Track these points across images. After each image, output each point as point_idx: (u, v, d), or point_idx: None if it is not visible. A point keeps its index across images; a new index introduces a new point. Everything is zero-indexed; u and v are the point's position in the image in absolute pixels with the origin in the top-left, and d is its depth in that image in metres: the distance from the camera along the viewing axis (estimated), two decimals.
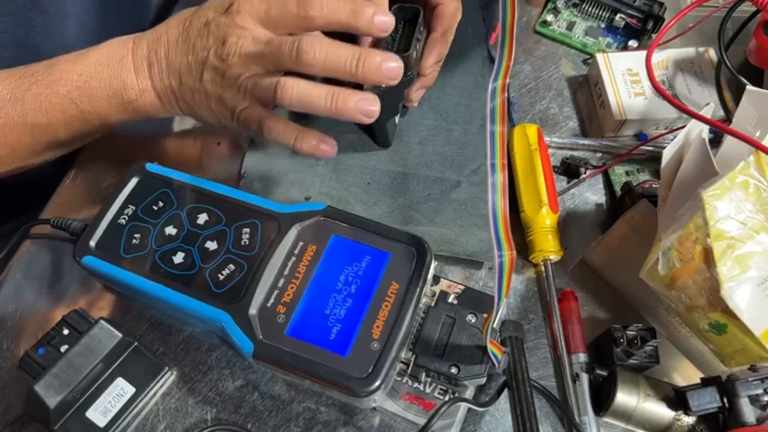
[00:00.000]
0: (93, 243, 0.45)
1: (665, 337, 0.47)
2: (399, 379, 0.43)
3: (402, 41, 0.47)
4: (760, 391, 0.40)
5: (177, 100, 0.46)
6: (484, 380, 0.42)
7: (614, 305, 0.49)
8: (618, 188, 0.53)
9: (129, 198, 0.47)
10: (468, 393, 0.43)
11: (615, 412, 0.43)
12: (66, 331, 0.44)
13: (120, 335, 0.43)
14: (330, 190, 0.52)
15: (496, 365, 0.41)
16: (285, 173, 0.52)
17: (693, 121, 0.45)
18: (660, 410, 0.42)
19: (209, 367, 0.46)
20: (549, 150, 0.54)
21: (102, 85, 0.45)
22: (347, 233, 0.44)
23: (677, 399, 0.42)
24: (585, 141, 0.56)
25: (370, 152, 0.54)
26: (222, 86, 0.43)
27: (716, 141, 0.46)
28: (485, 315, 0.43)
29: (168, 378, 0.46)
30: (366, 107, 0.42)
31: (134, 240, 0.45)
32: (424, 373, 0.42)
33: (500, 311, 0.38)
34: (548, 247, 0.49)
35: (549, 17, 0.62)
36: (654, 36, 0.58)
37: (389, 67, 0.41)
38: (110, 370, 0.43)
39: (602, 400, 0.44)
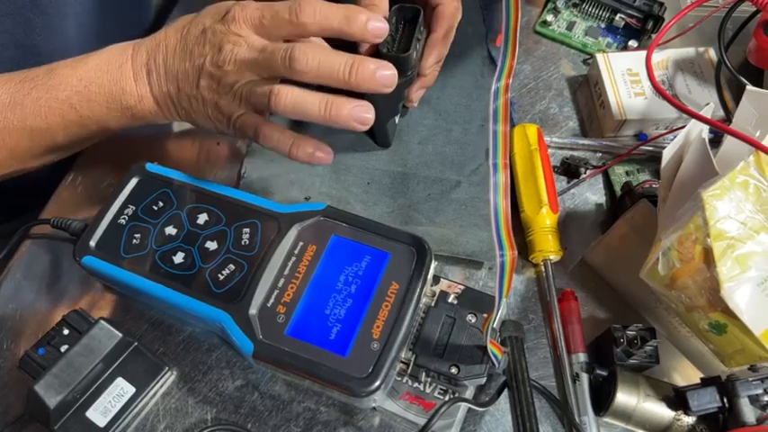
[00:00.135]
0: (93, 243, 0.45)
1: (665, 337, 0.47)
2: (399, 379, 0.43)
3: (402, 41, 0.47)
4: (760, 391, 0.40)
5: (175, 106, 0.46)
6: (484, 380, 0.42)
7: (614, 305, 0.49)
8: (618, 188, 0.53)
9: (129, 198, 0.47)
10: (468, 393, 0.43)
11: (615, 412, 0.43)
12: (66, 331, 0.44)
13: (120, 335, 0.43)
14: (330, 190, 0.52)
15: (496, 365, 0.41)
16: (285, 173, 0.52)
17: (693, 121, 0.45)
18: (660, 410, 0.42)
19: (209, 367, 0.46)
20: (549, 150, 0.54)
21: (102, 91, 0.45)
22: (347, 233, 0.44)
23: (677, 399, 0.42)
24: (585, 141, 0.56)
25: (370, 152, 0.54)
26: (218, 93, 0.44)
27: (716, 141, 0.46)
28: (485, 315, 0.43)
29: (168, 378, 0.46)
30: (360, 114, 0.42)
31: (134, 240, 0.45)
32: (424, 373, 0.42)
33: (500, 311, 0.38)
34: (548, 247, 0.49)
35: (549, 17, 0.62)
36: (654, 36, 0.58)
37: (383, 74, 0.41)
38: (110, 370, 0.43)
39: (602, 400, 0.44)
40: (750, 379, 0.40)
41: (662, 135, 0.54)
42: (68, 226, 0.48)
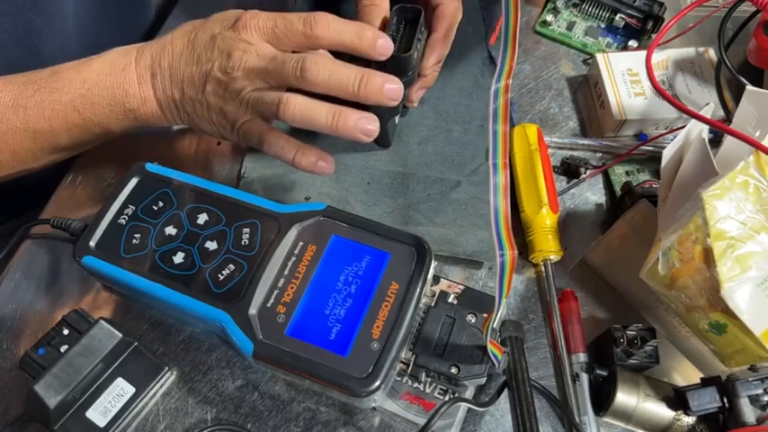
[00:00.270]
0: (93, 243, 0.45)
1: (665, 337, 0.47)
2: (399, 379, 0.43)
3: (403, 42, 0.47)
4: (760, 391, 0.40)
5: (178, 110, 0.46)
6: (484, 380, 0.42)
7: (614, 305, 0.49)
8: (618, 188, 0.53)
9: (129, 198, 0.47)
10: (468, 393, 0.43)
11: (615, 412, 0.43)
12: (66, 331, 0.44)
13: (120, 335, 0.43)
14: (330, 190, 0.52)
15: (496, 365, 0.41)
16: (285, 173, 0.52)
17: (693, 121, 0.45)
18: (660, 410, 0.42)
19: (209, 367, 0.46)
20: (549, 150, 0.54)
21: (105, 94, 0.45)
22: (347, 233, 0.44)
23: (677, 399, 0.42)
24: (585, 141, 0.56)
25: (370, 152, 0.54)
26: (224, 99, 0.44)
27: (716, 141, 0.46)
28: (485, 315, 0.43)
29: (168, 378, 0.46)
30: (365, 126, 0.43)
31: (134, 240, 0.45)
32: (424, 373, 0.42)
33: (500, 311, 0.38)
34: (548, 247, 0.49)
35: (549, 17, 0.62)
36: (654, 36, 0.58)
37: (390, 88, 0.43)
38: (110, 370, 0.43)
39: (602, 400, 0.44)
40: (750, 379, 0.40)
41: (662, 135, 0.54)
42: (68, 226, 0.48)
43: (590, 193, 0.54)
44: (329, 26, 0.43)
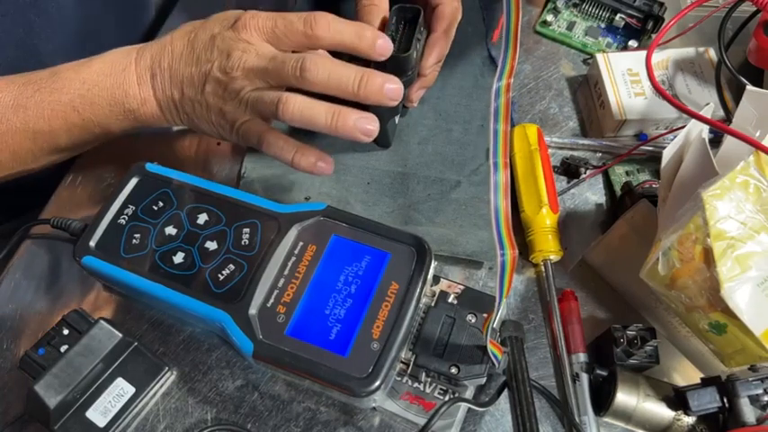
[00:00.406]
0: (93, 243, 0.45)
1: (665, 337, 0.47)
2: (399, 379, 0.43)
3: (402, 41, 0.47)
4: (760, 391, 0.40)
5: (178, 110, 0.46)
6: (484, 380, 0.42)
7: (614, 305, 0.49)
8: (618, 188, 0.53)
9: (128, 198, 0.47)
10: (468, 393, 0.43)
11: (615, 412, 0.43)
12: (66, 331, 0.44)
13: (120, 335, 0.43)
14: (330, 190, 0.52)
15: (496, 365, 0.41)
16: (285, 173, 0.52)
17: (693, 121, 0.45)
18: (660, 410, 0.42)
19: (209, 367, 0.46)
20: (549, 150, 0.54)
21: (105, 94, 0.45)
22: (347, 233, 0.44)
23: (677, 399, 0.42)
24: (585, 141, 0.56)
25: (370, 152, 0.54)
26: (224, 99, 0.44)
27: (716, 141, 0.46)
28: (485, 315, 0.43)
29: (168, 378, 0.46)
30: (365, 126, 0.43)
31: (134, 240, 0.45)
32: (424, 373, 0.42)
33: (500, 311, 0.38)
34: (548, 247, 0.49)
35: (549, 17, 0.62)
36: (654, 36, 0.58)
37: (390, 88, 0.43)
38: (110, 370, 0.43)
39: (602, 400, 0.44)
40: (750, 379, 0.40)
41: (662, 135, 0.54)
42: (68, 226, 0.48)
43: (590, 193, 0.54)
44: (329, 26, 0.43)
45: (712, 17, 0.57)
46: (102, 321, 0.43)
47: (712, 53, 0.57)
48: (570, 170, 0.54)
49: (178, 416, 0.45)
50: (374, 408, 0.43)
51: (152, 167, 0.48)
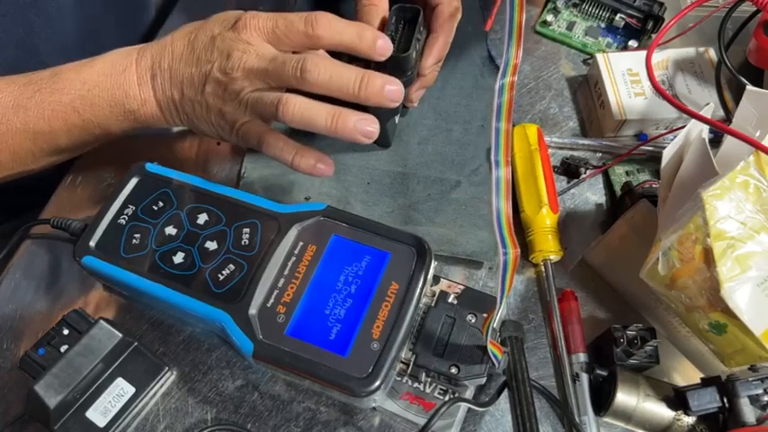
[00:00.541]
0: (93, 243, 0.45)
1: (665, 337, 0.47)
2: (399, 379, 0.43)
3: (402, 41, 0.47)
4: (760, 391, 0.40)
5: (178, 111, 0.46)
6: (484, 380, 0.42)
7: (614, 305, 0.49)
8: (618, 188, 0.53)
9: (128, 198, 0.47)
10: (468, 393, 0.43)
11: (615, 412, 0.43)
12: (66, 331, 0.44)
13: (120, 335, 0.43)
14: (330, 190, 0.52)
15: (496, 365, 0.41)
16: (285, 173, 0.52)
17: (693, 121, 0.45)
18: (660, 410, 0.42)
19: (209, 367, 0.46)
20: (549, 150, 0.54)
21: (105, 95, 0.45)
22: (347, 233, 0.44)
23: (677, 399, 0.42)
24: (585, 141, 0.56)
25: (370, 152, 0.54)
26: (223, 100, 0.44)
27: (716, 141, 0.46)
28: (485, 315, 0.43)
29: (168, 378, 0.46)
30: (365, 127, 0.43)
31: (134, 240, 0.45)
32: (424, 373, 0.42)
33: (500, 311, 0.38)
34: (548, 247, 0.49)
35: (549, 17, 0.62)
36: (654, 36, 0.58)
37: (390, 89, 0.43)
38: (110, 370, 0.43)
39: (602, 400, 0.44)
40: (750, 379, 0.40)
41: (662, 135, 0.54)
42: (68, 226, 0.48)
43: (590, 193, 0.54)
44: (330, 26, 0.43)
45: (712, 17, 0.57)
46: (102, 321, 0.43)
47: (712, 53, 0.57)
48: (570, 170, 0.54)
49: (178, 416, 0.45)
50: (374, 408, 0.43)
51: (152, 167, 0.48)
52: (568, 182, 0.55)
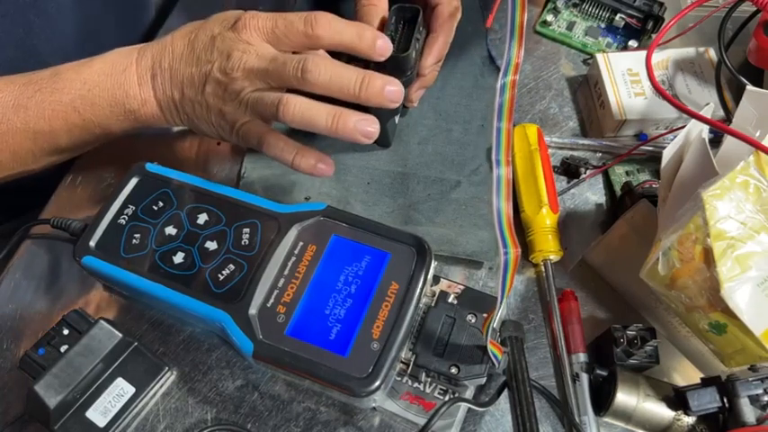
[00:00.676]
0: (93, 243, 0.45)
1: (665, 337, 0.47)
2: (399, 379, 0.43)
3: (401, 41, 0.47)
4: (760, 391, 0.40)
5: (178, 111, 0.46)
6: (484, 380, 0.42)
7: (614, 305, 0.49)
8: (618, 188, 0.53)
9: (128, 198, 0.47)
10: (468, 393, 0.43)
11: (615, 412, 0.43)
12: (66, 331, 0.44)
13: (120, 335, 0.43)
14: (330, 190, 0.52)
15: (496, 365, 0.41)
16: (285, 173, 0.52)
17: (693, 121, 0.45)
18: (660, 410, 0.42)
19: (209, 367, 0.46)
20: (549, 150, 0.54)
21: (105, 95, 0.45)
22: (347, 233, 0.44)
23: (677, 399, 0.42)
24: (585, 141, 0.56)
25: (370, 152, 0.54)
26: (223, 100, 0.44)
27: (716, 141, 0.46)
28: (485, 315, 0.43)
29: (168, 378, 0.46)
30: (365, 128, 0.43)
31: (134, 240, 0.45)
32: (424, 373, 0.42)
33: (500, 311, 0.38)
34: (548, 247, 0.49)
35: (549, 17, 0.62)
36: (654, 36, 0.58)
37: (391, 90, 0.43)
38: (110, 370, 0.43)
39: (602, 400, 0.44)
40: (750, 379, 0.40)
41: (662, 135, 0.54)
42: (68, 226, 0.48)
43: (590, 193, 0.54)
44: (330, 26, 0.43)
45: (712, 17, 0.57)
46: (102, 321, 0.43)
47: (712, 53, 0.57)
48: (570, 170, 0.54)
49: (178, 416, 0.45)
50: (374, 408, 0.43)
51: (152, 167, 0.48)
52: (568, 182, 0.55)
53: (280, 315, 0.41)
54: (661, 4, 0.59)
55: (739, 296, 0.38)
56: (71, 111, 0.45)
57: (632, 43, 0.60)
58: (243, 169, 0.53)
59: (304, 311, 0.42)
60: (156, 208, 0.46)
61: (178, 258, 0.44)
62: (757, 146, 0.38)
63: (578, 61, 0.61)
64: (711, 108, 0.46)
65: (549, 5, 0.62)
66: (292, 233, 0.44)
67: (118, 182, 0.48)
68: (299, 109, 0.43)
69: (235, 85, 0.43)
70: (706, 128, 0.44)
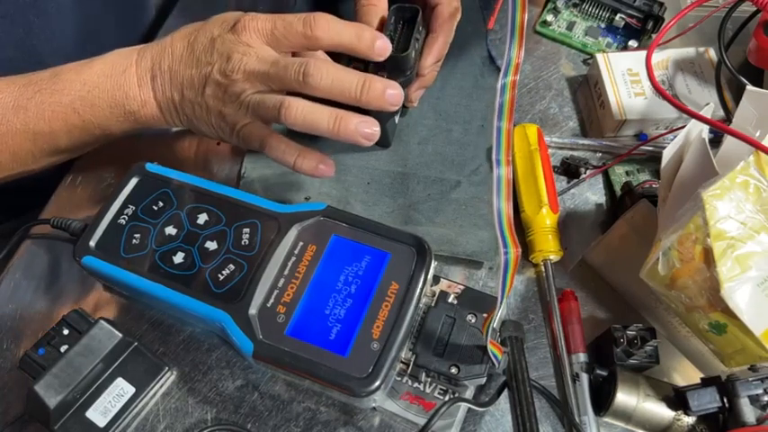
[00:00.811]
0: (93, 243, 0.45)
1: (665, 337, 0.47)
2: (399, 379, 0.43)
3: (401, 41, 0.47)
4: (760, 391, 0.40)
5: (177, 112, 0.46)
6: (484, 380, 0.42)
7: (614, 305, 0.49)
8: (618, 188, 0.53)
9: (128, 198, 0.47)
10: (468, 393, 0.43)
11: (615, 412, 0.43)
12: (66, 331, 0.44)
13: (120, 335, 0.43)
14: (330, 190, 0.52)
15: (496, 365, 0.41)
16: (285, 173, 0.52)
17: (693, 121, 0.45)
18: (660, 410, 0.42)
19: (209, 367, 0.46)
20: (549, 150, 0.54)
21: (105, 96, 0.45)
22: (347, 233, 0.44)
23: (677, 399, 0.42)
24: (585, 141, 0.56)
25: (370, 152, 0.54)
26: (223, 102, 0.44)
27: (716, 141, 0.46)
28: (485, 315, 0.43)
29: (168, 378, 0.46)
30: (365, 130, 0.43)
31: (134, 240, 0.45)
32: (424, 373, 0.42)
33: (500, 311, 0.38)
34: (548, 247, 0.49)
35: (549, 17, 0.62)
36: (654, 36, 0.58)
37: (391, 93, 0.43)
38: (110, 370, 0.43)
39: (602, 400, 0.44)
40: (750, 379, 0.40)
41: (662, 135, 0.54)
42: (68, 226, 0.48)
43: (590, 193, 0.54)
44: (329, 27, 0.43)
45: (712, 17, 0.57)
46: (102, 321, 0.43)
47: (712, 53, 0.57)
48: (570, 170, 0.54)
49: (178, 416, 0.45)
50: (374, 408, 0.43)
51: (152, 167, 0.48)
52: (568, 182, 0.55)
53: (280, 315, 0.41)
54: (661, 4, 0.59)
55: (739, 296, 0.38)
56: (71, 112, 0.45)
57: (632, 43, 0.60)
58: (243, 169, 0.53)
59: (304, 311, 0.42)
60: (156, 208, 0.46)
61: (178, 258, 0.44)
62: (757, 146, 0.38)
63: (578, 61, 0.61)
64: (711, 108, 0.46)
65: (549, 5, 0.62)
66: (292, 233, 0.44)
67: (118, 182, 0.48)
68: (301, 112, 0.43)
69: (235, 87, 0.43)
70: (706, 128, 0.44)
